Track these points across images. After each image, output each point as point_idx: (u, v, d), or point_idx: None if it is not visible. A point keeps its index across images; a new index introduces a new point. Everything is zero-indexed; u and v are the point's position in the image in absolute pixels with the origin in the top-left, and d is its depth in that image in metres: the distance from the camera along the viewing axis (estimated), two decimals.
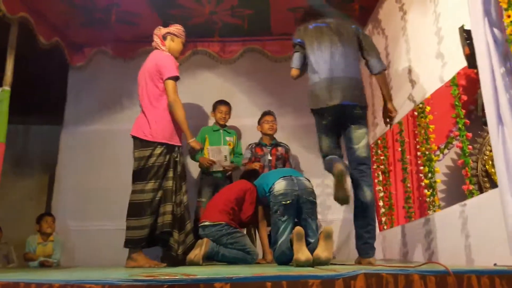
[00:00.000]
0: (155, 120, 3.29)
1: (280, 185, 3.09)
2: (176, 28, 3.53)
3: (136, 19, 4.50)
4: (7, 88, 3.61)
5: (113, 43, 4.90)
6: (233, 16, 4.41)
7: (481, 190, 3.04)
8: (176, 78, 3.35)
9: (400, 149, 3.43)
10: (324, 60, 2.86)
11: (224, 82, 4.95)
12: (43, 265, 4.03)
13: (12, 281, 1.48)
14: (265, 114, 4.40)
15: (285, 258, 2.76)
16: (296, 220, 3.04)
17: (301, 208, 3.06)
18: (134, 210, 3.19)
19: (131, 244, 3.17)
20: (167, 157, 3.28)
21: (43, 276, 1.66)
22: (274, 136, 4.39)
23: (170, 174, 3.28)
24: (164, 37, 3.50)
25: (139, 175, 3.24)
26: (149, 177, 3.21)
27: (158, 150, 3.24)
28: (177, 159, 3.35)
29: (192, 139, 3.41)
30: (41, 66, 4.64)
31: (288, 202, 3.00)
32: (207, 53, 4.95)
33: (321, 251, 2.45)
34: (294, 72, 3.02)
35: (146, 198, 3.19)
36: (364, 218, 2.70)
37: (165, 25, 3.56)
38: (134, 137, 3.34)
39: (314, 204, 3.13)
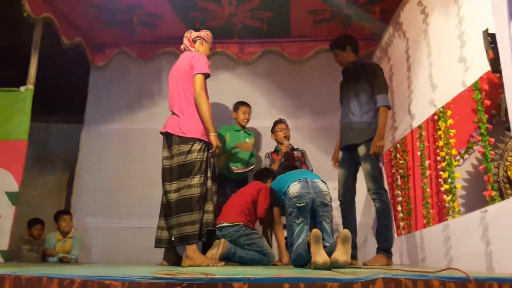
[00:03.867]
0: (190, 117, 3.29)
1: (294, 188, 3.09)
2: (206, 34, 3.59)
3: (157, 21, 4.56)
4: (30, 86, 3.70)
5: (134, 44, 4.97)
6: (253, 18, 4.43)
7: (502, 197, 2.98)
8: (206, 75, 3.38)
9: (419, 153, 3.39)
10: None
11: (243, 83, 4.97)
12: (62, 261, 4.11)
13: (35, 276, 1.52)
14: (276, 122, 4.41)
15: (302, 260, 2.76)
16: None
17: (316, 211, 3.05)
18: (184, 205, 3.15)
19: (184, 241, 3.12)
20: (205, 154, 3.27)
21: (64, 271, 1.69)
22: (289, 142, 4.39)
23: (209, 173, 3.30)
24: (193, 41, 3.55)
25: (181, 171, 3.21)
26: (194, 172, 3.18)
27: (197, 146, 3.23)
28: (211, 158, 3.35)
29: (213, 134, 3.28)
30: (63, 66, 4.73)
31: (302, 204, 2.99)
32: (226, 54, 4.98)
33: (339, 255, 2.43)
34: None
35: (195, 193, 3.16)
36: None
37: (196, 29, 3.62)
38: (170, 135, 3.31)
39: (329, 207, 3.11)
